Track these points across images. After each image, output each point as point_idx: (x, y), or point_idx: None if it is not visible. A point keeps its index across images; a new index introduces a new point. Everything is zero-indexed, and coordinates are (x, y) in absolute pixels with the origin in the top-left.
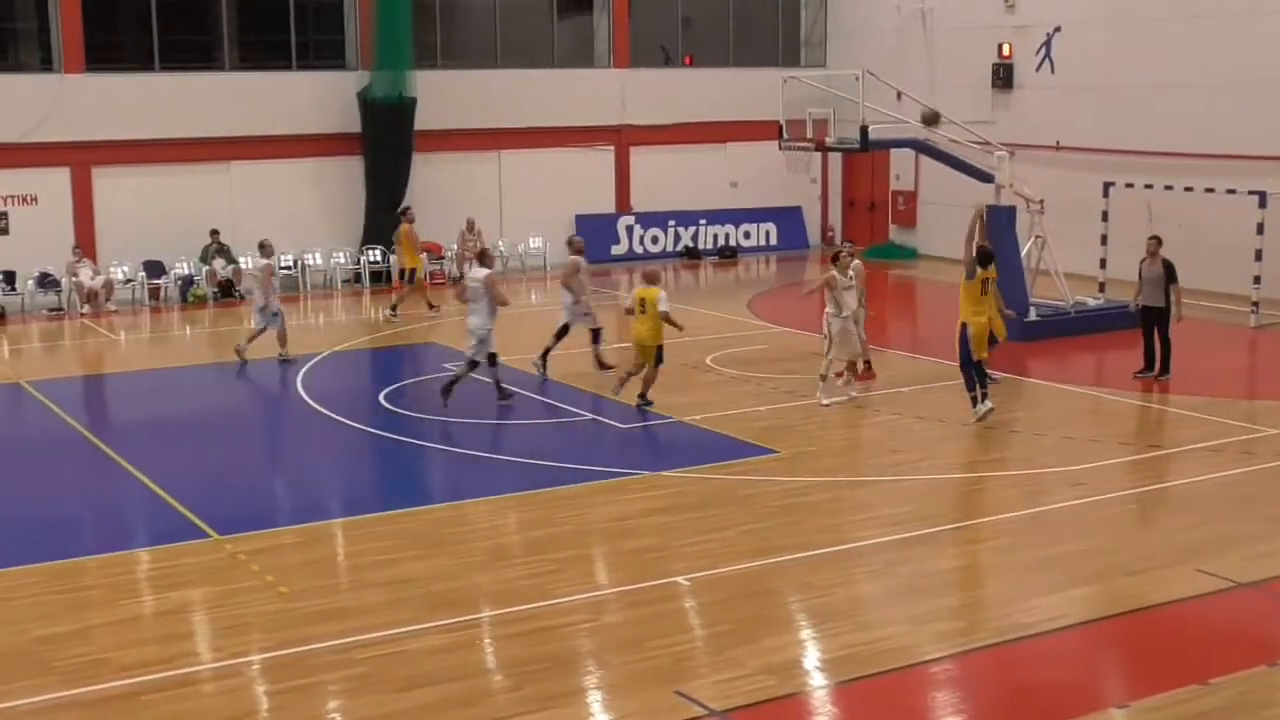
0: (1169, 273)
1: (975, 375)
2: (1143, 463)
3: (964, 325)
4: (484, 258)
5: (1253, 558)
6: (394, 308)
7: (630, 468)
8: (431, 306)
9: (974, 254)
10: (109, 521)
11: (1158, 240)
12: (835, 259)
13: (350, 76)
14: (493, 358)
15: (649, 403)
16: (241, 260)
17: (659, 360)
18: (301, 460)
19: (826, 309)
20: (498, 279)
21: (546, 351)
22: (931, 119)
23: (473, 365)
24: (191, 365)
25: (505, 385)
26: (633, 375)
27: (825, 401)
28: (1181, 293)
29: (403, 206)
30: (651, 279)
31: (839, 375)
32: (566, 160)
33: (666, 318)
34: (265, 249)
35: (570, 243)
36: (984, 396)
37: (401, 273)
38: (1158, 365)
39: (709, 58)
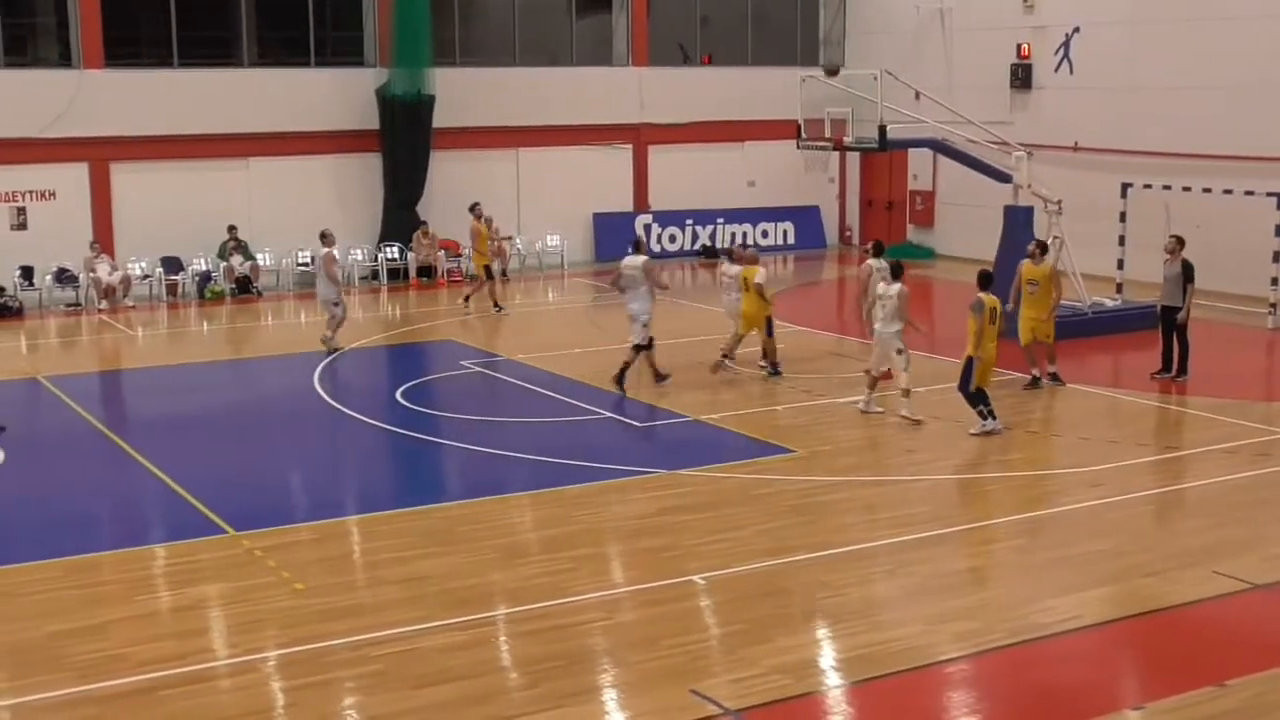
0: (1186, 273)
1: (979, 398)
2: (1159, 464)
3: (970, 359)
4: (640, 246)
5: (1269, 559)
6: (496, 304)
7: (646, 466)
8: (466, 300)
9: (977, 300)
10: (125, 517)
11: (1177, 239)
12: (897, 270)
13: (369, 73)
14: (650, 342)
15: (778, 371)
16: (259, 256)
17: (770, 331)
18: (318, 457)
19: (896, 325)
20: (655, 265)
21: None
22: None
23: (638, 349)
24: (208, 361)
25: (662, 369)
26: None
27: (917, 417)
28: (1194, 294)
29: (471, 203)
30: (751, 260)
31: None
32: (584, 158)
33: (759, 289)
34: (325, 238)
35: (742, 256)
36: (991, 414)
37: (488, 269)
38: (1175, 366)
39: (727, 57)
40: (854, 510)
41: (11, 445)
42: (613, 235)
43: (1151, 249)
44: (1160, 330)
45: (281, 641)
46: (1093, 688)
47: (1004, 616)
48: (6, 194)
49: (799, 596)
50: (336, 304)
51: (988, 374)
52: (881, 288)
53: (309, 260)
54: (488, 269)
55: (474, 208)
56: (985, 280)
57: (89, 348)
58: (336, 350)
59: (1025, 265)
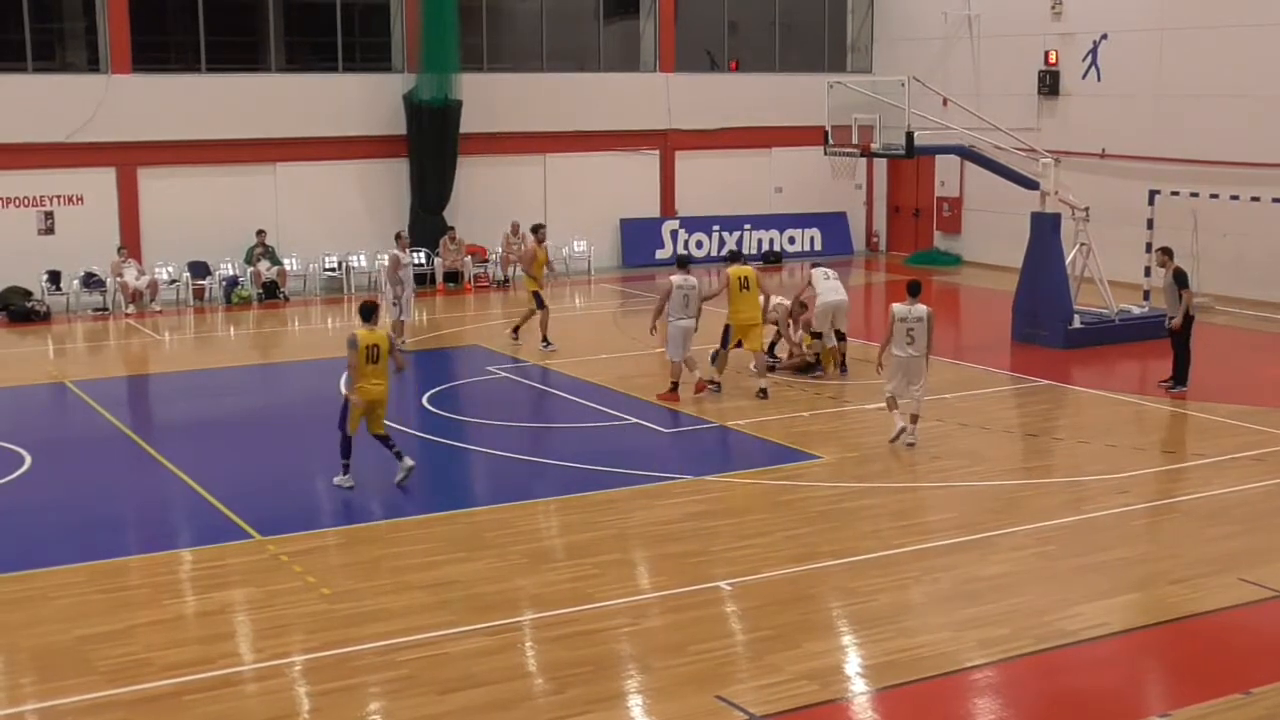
0: (1179, 280)
1: (347, 446)
2: (1186, 471)
3: (346, 400)
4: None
5: None
6: (545, 339)
7: (672, 472)
8: (515, 332)
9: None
10: (152, 521)
11: (1164, 251)
12: (915, 288)
13: (396, 79)
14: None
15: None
16: (286, 261)
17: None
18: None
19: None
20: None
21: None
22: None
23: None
24: (235, 366)
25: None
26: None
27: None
28: (1189, 298)
29: (535, 224)
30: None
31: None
32: (611, 164)
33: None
34: (398, 239)
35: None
36: (399, 455)
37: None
38: (1172, 375)
39: (755, 62)
40: (881, 516)
41: (38, 450)
42: (640, 241)
43: (1179, 257)
44: (1170, 341)
45: (307, 646)
46: (1119, 694)
47: (1031, 623)
48: (34, 198)
49: (825, 602)
50: (394, 304)
51: (373, 417)
52: (903, 309)
53: (335, 265)
54: (538, 296)
55: (537, 229)
56: (368, 311)
57: (116, 352)
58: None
59: (735, 269)
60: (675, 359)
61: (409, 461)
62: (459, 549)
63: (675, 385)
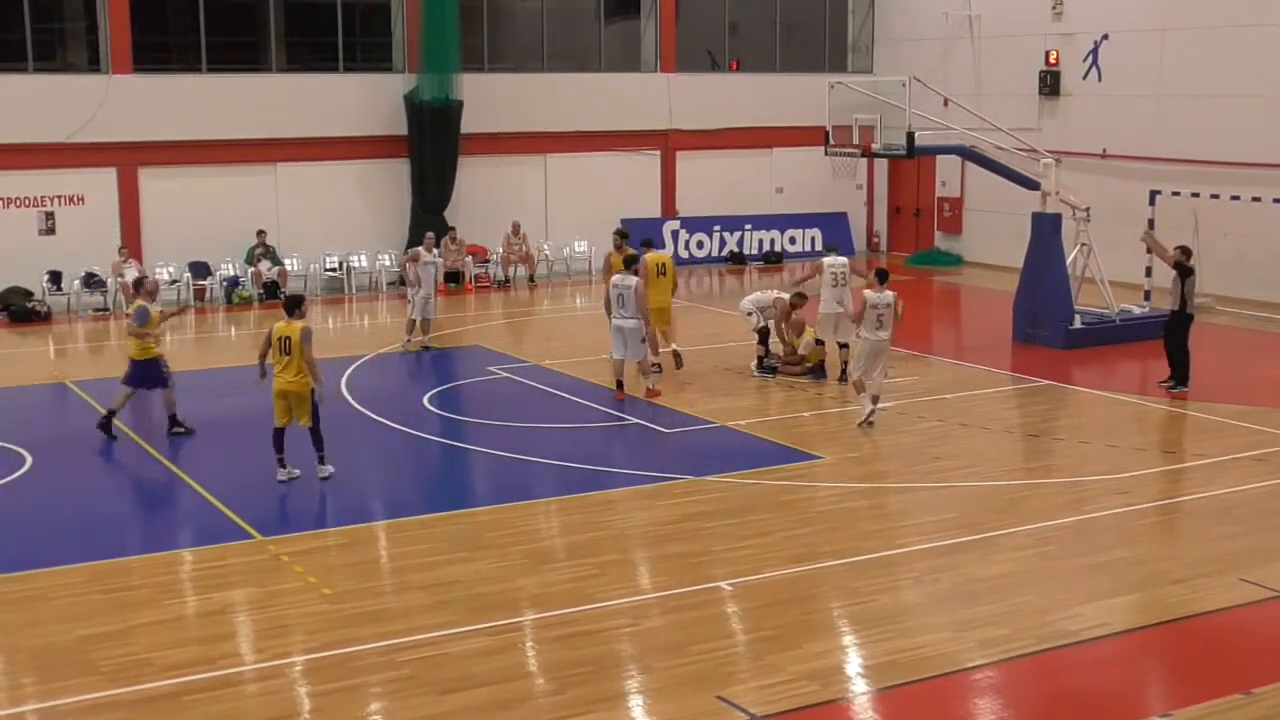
0: (1180, 270)
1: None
2: (1186, 471)
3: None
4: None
5: None
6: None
7: (673, 472)
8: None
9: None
10: (153, 522)
11: (1181, 250)
12: (884, 275)
13: (397, 79)
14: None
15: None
16: (286, 261)
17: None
18: (344, 462)
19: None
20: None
21: None
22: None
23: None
24: (236, 366)
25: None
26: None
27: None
28: (1183, 288)
29: (645, 238)
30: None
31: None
32: (612, 164)
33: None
34: (425, 240)
35: None
36: (321, 459)
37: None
38: (1171, 375)
39: (756, 63)
40: (881, 516)
41: (39, 450)
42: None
43: None
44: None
45: (308, 646)
46: (1120, 695)
47: (1031, 623)
48: (35, 199)
49: (826, 603)
50: (410, 301)
51: (296, 411)
52: (873, 296)
53: (336, 265)
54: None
55: (642, 242)
56: (293, 304)
57: (116, 353)
58: (418, 346)
59: (654, 255)
60: (616, 356)
61: (328, 469)
62: (460, 549)
63: (648, 372)
